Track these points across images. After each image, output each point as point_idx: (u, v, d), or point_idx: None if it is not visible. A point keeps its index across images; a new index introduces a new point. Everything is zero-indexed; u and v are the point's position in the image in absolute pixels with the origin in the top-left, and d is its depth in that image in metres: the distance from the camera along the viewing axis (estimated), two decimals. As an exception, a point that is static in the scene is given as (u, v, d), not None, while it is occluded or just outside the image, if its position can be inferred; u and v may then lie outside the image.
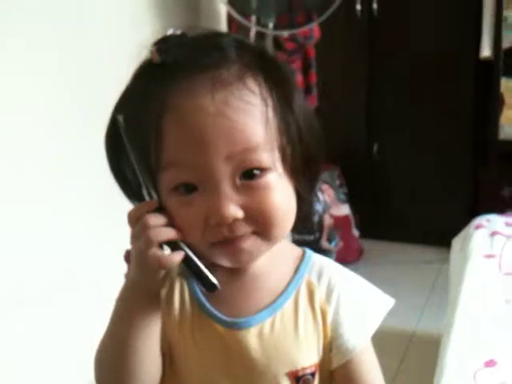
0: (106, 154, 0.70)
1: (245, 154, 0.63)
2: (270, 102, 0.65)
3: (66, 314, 1.88)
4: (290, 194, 0.68)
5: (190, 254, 0.66)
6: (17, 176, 1.72)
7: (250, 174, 0.64)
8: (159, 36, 0.67)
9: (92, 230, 1.99)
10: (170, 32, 0.67)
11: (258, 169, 0.64)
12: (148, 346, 0.69)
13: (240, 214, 0.63)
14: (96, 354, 0.72)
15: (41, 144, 1.79)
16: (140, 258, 0.65)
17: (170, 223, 0.66)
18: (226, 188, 0.63)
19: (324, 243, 2.90)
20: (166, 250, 0.66)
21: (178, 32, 0.67)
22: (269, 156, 0.64)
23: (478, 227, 2.06)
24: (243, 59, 0.65)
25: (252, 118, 0.63)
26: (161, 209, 0.66)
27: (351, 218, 3.11)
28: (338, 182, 3.11)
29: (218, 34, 0.70)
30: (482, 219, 2.12)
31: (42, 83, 1.81)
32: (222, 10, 2.71)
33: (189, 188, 0.64)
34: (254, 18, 2.50)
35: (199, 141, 0.62)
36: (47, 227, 1.82)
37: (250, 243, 0.66)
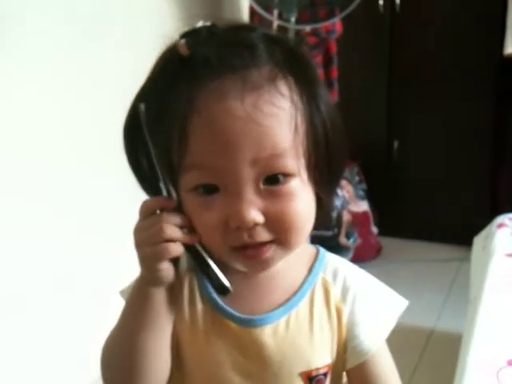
0: (123, 145, 0.68)
1: (271, 160, 0.61)
2: (299, 105, 0.63)
3: (65, 316, 1.88)
4: (310, 200, 0.67)
5: (204, 254, 0.65)
6: (16, 177, 1.71)
7: (273, 179, 0.63)
8: (187, 28, 0.65)
9: (92, 232, 1.98)
10: (199, 24, 0.64)
11: (282, 174, 0.63)
12: (157, 340, 0.68)
13: (261, 219, 0.62)
14: (103, 348, 0.71)
15: (41, 145, 1.78)
16: (143, 249, 0.64)
17: (187, 224, 0.65)
18: (249, 192, 0.62)
19: (342, 239, 2.89)
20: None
21: (208, 24, 0.64)
22: (294, 162, 0.63)
23: (500, 226, 2.05)
24: (273, 58, 0.63)
25: (281, 123, 0.61)
26: (177, 208, 0.65)
27: (370, 214, 3.09)
28: (357, 179, 3.09)
29: (248, 29, 0.67)
30: (504, 218, 2.11)
31: (51, 81, 1.79)
32: (245, 3, 2.71)
33: (209, 189, 0.63)
34: (276, 12, 2.49)
35: (226, 144, 0.60)
36: (47, 228, 1.81)
37: (270, 254, 0.65)
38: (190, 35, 0.63)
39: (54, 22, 1.79)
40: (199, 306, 0.71)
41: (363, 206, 3.07)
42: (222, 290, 0.66)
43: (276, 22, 2.47)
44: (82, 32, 1.88)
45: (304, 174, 0.65)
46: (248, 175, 0.61)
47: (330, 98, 0.69)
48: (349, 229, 2.93)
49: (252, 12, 2.68)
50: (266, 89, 0.61)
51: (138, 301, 0.67)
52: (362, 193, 3.10)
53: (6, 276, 1.70)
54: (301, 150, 0.63)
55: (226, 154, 0.60)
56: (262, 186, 0.62)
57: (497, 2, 2.91)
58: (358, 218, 3.02)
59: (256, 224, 0.62)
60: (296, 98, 0.63)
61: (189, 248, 0.65)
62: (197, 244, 0.65)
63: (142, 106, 0.64)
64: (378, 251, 3.10)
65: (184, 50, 0.62)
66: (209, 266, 0.65)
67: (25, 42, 1.69)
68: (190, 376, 0.72)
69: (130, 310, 0.68)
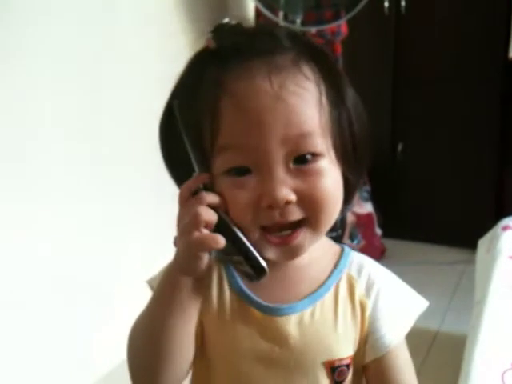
0: (159, 142, 0.71)
1: (300, 139, 0.64)
2: (323, 88, 0.66)
3: (65, 316, 1.88)
4: (339, 181, 0.69)
5: (240, 235, 0.65)
6: (16, 177, 1.71)
7: (303, 159, 0.65)
8: (215, 24, 0.68)
9: (92, 232, 1.98)
10: (225, 21, 0.68)
11: (311, 154, 0.65)
12: (183, 329, 0.69)
13: (293, 197, 0.64)
14: (130, 333, 0.72)
15: (41, 145, 1.78)
16: (187, 237, 0.63)
17: (221, 201, 0.65)
18: (280, 171, 0.64)
19: (346, 241, 2.89)
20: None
21: (233, 22, 0.68)
22: (322, 142, 0.65)
23: (505, 228, 2.04)
24: (296, 47, 0.67)
25: (307, 103, 0.64)
26: (211, 189, 0.66)
27: (374, 216, 3.09)
28: (361, 180, 3.09)
29: (270, 25, 0.73)
30: (509, 220, 2.10)
31: (51, 81, 1.80)
32: (250, 4, 2.72)
33: (241, 171, 0.65)
34: (281, 14, 2.49)
35: (256, 123, 0.63)
36: (47, 228, 1.81)
37: (301, 239, 0.66)
38: (217, 30, 0.67)
39: (56, 23, 1.79)
40: (227, 294, 0.72)
41: (367, 208, 3.07)
42: (258, 270, 0.65)
43: (281, 24, 2.47)
44: (83, 32, 1.88)
45: (332, 155, 0.67)
46: (278, 154, 0.63)
47: (352, 89, 0.72)
48: (353, 230, 2.93)
49: (257, 13, 2.68)
50: (291, 71, 0.64)
51: (168, 288, 0.68)
52: (366, 194, 3.09)
53: (6, 276, 1.70)
54: (327, 131, 0.66)
55: (256, 132, 0.63)
56: (292, 165, 0.64)
57: (502, 4, 2.90)
58: (361, 220, 3.01)
59: (288, 202, 0.63)
60: (320, 81, 0.66)
61: (226, 231, 0.64)
62: (233, 226, 0.65)
63: (176, 102, 0.67)
64: (381, 253, 3.09)
65: (211, 44, 0.66)
66: (247, 246, 0.65)
67: (25, 42, 1.70)
68: (214, 364, 0.73)
69: (159, 297, 0.69)
